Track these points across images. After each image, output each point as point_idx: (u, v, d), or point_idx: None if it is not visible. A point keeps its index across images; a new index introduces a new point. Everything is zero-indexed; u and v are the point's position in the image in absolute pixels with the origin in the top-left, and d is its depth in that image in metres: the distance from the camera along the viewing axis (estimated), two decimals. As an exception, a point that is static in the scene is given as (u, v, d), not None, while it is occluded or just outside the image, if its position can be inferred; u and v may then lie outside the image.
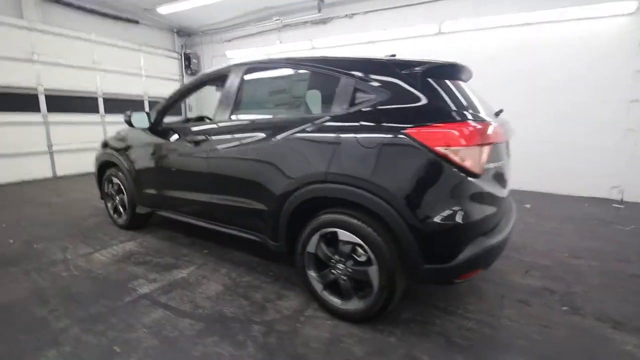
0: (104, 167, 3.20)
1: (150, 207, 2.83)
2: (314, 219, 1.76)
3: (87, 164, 6.42)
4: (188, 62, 8.20)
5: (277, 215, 1.89)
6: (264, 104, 2.18)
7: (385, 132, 1.51)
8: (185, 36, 8.19)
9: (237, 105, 2.16)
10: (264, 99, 2.17)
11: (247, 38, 7.42)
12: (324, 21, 6.38)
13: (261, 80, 2.16)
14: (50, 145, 6.02)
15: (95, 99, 6.65)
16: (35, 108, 5.77)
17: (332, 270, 1.74)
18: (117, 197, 3.13)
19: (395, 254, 1.55)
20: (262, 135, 1.91)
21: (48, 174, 6.05)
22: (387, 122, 1.53)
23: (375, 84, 1.64)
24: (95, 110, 6.67)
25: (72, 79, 6.21)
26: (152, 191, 2.74)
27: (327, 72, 1.80)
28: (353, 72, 1.71)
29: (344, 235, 1.65)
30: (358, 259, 1.65)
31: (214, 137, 2.17)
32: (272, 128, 1.88)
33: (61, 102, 6.08)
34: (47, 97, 5.88)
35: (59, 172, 6.18)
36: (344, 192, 1.59)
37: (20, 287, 2.11)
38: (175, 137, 2.53)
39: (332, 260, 1.73)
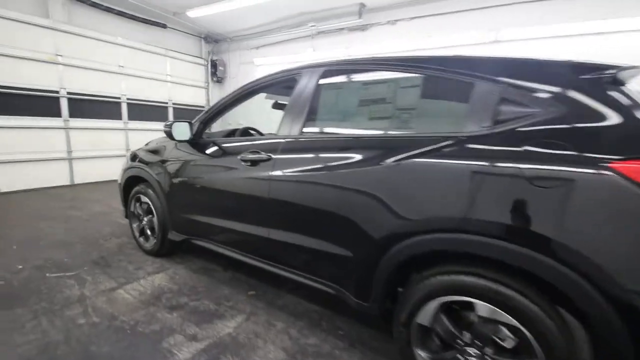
0: (131, 182, 2.77)
1: (186, 234, 2.36)
2: (429, 277, 1.25)
3: (107, 172, 6.09)
4: (214, 69, 7.90)
5: (370, 267, 1.39)
6: (351, 117, 1.70)
7: (574, 164, 1.00)
8: (213, 42, 7.90)
9: (311, 116, 1.69)
10: (351, 109, 1.69)
11: (277, 45, 7.07)
12: (362, 28, 5.98)
13: (345, 85, 1.69)
14: (69, 152, 5.69)
15: (119, 104, 6.34)
16: (56, 112, 5.46)
17: (459, 356, 1.22)
18: (145, 219, 2.67)
19: (570, 344, 1.03)
20: (356, 157, 1.42)
21: (65, 181, 5.71)
22: (572, 150, 1.02)
23: (540, 93, 1.15)
24: (118, 116, 6.36)
25: (96, 83, 5.92)
26: (190, 216, 2.27)
27: (452, 77, 1.32)
28: (498, 77, 1.23)
29: (486, 310, 1.13)
30: (504, 344, 1.13)
31: (279, 156, 1.70)
32: (374, 148, 1.40)
33: (83, 107, 5.77)
34: (70, 101, 5.58)
35: (77, 180, 5.82)
36: (501, 251, 1.08)
37: (25, 340, 1.64)
38: (222, 153, 2.07)
39: (459, 341, 1.22)
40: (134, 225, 2.81)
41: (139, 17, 6.42)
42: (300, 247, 1.65)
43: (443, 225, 1.18)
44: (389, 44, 5.71)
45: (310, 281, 1.67)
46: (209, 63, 7.90)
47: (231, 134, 2.63)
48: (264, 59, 7.26)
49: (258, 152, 1.80)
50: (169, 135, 2.17)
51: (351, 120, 1.67)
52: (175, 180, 2.31)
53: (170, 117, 7.24)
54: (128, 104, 6.45)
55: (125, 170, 2.81)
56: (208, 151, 2.17)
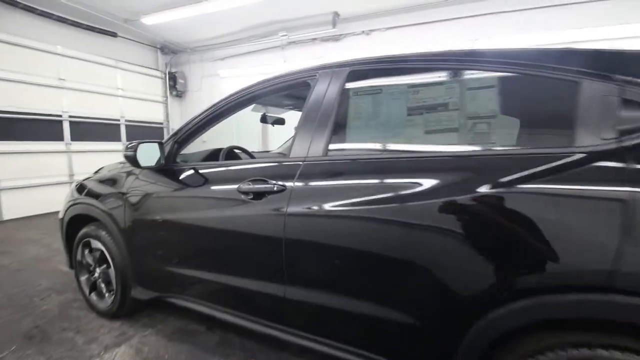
0: (77, 222, 2.12)
1: (158, 290, 1.79)
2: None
3: (45, 203, 5.12)
4: (173, 82, 7.21)
5: (452, 338, 0.97)
6: (397, 130, 1.27)
7: None
8: (171, 53, 7.23)
9: (339, 131, 1.27)
10: (397, 120, 1.26)
11: (245, 56, 6.60)
12: (336, 38, 5.72)
13: (385, 89, 1.28)
14: (-5, 182, 4.70)
15: (59, 123, 5.43)
16: (-22, 134, 4.50)
17: None
18: (98, 270, 2.04)
19: None
20: (423, 182, 1.00)
21: (-9, 217, 4.69)
22: None
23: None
24: (58, 136, 5.44)
25: (30, 99, 5.01)
26: (164, 267, 1.71)
27: (546, 74, 0.97)
28: (613, 73, 0.90)
29: None
30: None
31: (298, 184, 1.24)
32: (449, 170, 1.00)
33: (13, 127, 4.82)
34: (-5, 120, 4.64)
35: (6, 215, 4.81)
36: None
37: None
38: (208, 182, 1.57)
39: None
40: (83, 279, 2.15)
41: (83, 24, 5.64)
42: (334, 310, 1.19)
43: (578, 279, 0.81)
44: (363, 55, 5.49)
45: (350, 354, 1.21)
46: (167, 75, 7.19)
47: (213, 156, 2.11)
48: (230, 71, 6.73)
49: (264, 181, 1.33)
50: (133, 161, 1.62)
51: (399, 134, 1.25)
52: (142, 220, 1.75)
53: (123, 135, 6.41)
54: (71, 122, 5.56)
55: (70, 206, 2.16)
56: (188, 180, 1.65)
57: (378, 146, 1.27)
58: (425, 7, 5.00)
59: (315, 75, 1.39)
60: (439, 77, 1.15)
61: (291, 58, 6.16)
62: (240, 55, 6.62)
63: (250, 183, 1.36)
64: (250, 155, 2.26)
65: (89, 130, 5.84)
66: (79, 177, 2.59)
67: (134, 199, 1.78)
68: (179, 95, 7.37)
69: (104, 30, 5.95)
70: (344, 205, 1.12)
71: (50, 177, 5.26)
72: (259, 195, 1.33)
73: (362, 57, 1.32)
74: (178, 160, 1.85)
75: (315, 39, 5.84)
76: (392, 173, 1.09)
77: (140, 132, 6.67)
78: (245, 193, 1.36)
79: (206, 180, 1.58)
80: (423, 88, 1.17)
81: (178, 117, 7.40)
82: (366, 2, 5.04)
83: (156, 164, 1.68)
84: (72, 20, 5.48)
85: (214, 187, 1.53)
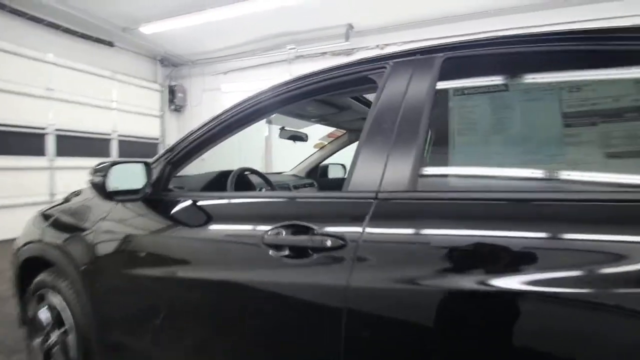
0: (32, 265, 1.59)
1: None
2: None
3: (18, 226, 4.54)
4: (172, 95, 6.81)
5: None
6: (546, 149, 0.77)
7: None
8: (171, 66, 6.86)
9: (434, 151, 0.79)
10: (547, 133, 0.77)
11: (248, 70, 6.25)
12: (348, 52, 5.39)
13: (514, 86, 0.79)
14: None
15: (42, 137, 4.93)
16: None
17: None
18: (53, 335, 1.48)
19: None
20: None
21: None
22: None
23: None
24: (39, 151, 4.92)
25: (14, 109, 4.53)
26: (142, 345, 1.17)
27: None
28: None
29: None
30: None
31: (367, 237, 0.73)
32: None
33: (-9, 139, 4.32)
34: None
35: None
36: None
37: None
38: (216, 223, 1.06)
39: None
40: (34, 343, 1.58)
41: (77, 32, 5.25)
42: None
43: None
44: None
45: None
46: (166, 89, 6.79)
47: (218, 182, 1.62)
48: (233, 85, 6.35)
49: (306, 229, 0.82)
50: (101, 190, 1.12)
51: (550, 156, 0.75)
52: (118, 273, 1.22)
53: (114, 151, 5.91)
54: (57, 136, 5.06)
55: (25, 244, 1.63)
56: (185, 218, 1.14)
57: (511, 174, 0.77)
58: (443, 21, 4.70)
59: (384, 68, 0.92)
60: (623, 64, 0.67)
61: (298, 73, 5.79)
62: (244, 69, 6.26)
63: (282, 231, 0.85)
64: (269, 182, 1.77)
65: (77, 144, 5.34)
66: (61, 197, 2.07)
67: (107, 244, 1.26)
68: (177, 109, 6.95)
69: (100, 39, 5.57)
70: (465, 280, 0.62)
71: (27, 197, 4.68)
72: (298, 253, 0.82)
73: (463, 39, 0.86)
74: (171, 187, 1.35)
75: (325, 52, 5.50)
76: (564, 224, 0.59)
77: (135, 147, 6.18)
78: (275, 247, 0.85)
79: (211, 220, 1.08)
80: (594, 82, 0.69)
81: (175, 133, 6.94)
82: (383, 15, 4.73)
83: (139, 193, 1.17)
84: (65, 27, 5.09)
85: (222, 231, 1.03)
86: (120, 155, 5.93)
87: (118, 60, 5.96)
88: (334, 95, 1.38)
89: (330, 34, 5.12)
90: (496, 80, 0.81)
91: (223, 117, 1.20)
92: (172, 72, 6.91)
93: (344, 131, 2.44)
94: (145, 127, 6.57)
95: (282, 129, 2.09)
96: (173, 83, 6.89)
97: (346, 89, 1.05)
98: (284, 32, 5.26)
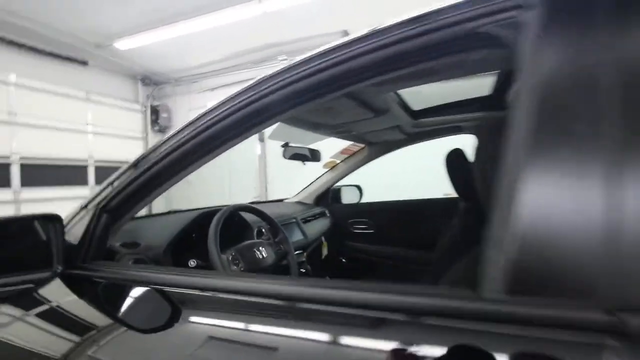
0: None
1: None
2: None
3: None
4: (155, 116, 6.29)
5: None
6: None
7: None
8: (153, 85, 6.37)
9: None
10: None
11: (237, 86, 5.70)
12: (345, 61, 4.96)
13: None
14: None
15: (6, 167, 4.34)
16: None
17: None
18: None
19: None
20: None
21: None
22: None
23: None
24: (4, 183, 4.32)
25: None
26: None
27: None
28: None
29: None
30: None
31: None
32: None
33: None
34: None
35: None
36: None
37: None
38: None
39: None
40: None
41: (44, 50, 4.74)
42: None
43: None
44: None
45: None
46: (148, 109, 6.27)
47: (197, 229, 1.10)
48: (220, 102, 5.87)
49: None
50: None
51: None
52: None
53: (91, 178, 5.31)
54: (22, 165, 4.47)
55: None
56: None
57: None
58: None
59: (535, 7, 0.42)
60: None
61: (292, 85, 5.35)
62: (232, 84, 5.78)
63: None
64: (271, 222, 1.25)
65: (47, 174, 4.74)
66: None
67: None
68: (162, 130, 6.41)
69: (71, 57, 5.06)
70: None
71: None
72: None
73: None
74: (117, 245, 0.83)
75: (320, 62, 5.07)
76: None
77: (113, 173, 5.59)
78: None
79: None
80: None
81: (160, 156, 6.37)
82: (379, 20, 4.35)
83: (42, 275, 0.65)
84: (30, 45, 4.58)
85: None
86: (98, 183, 5.33)
87: (93, 80, 5.44)
88: (383, 87, 0.88)
89: (324, 41, 4.69)
90: None
91: (195, 127, 0.69)
92: (154, 91, 6.41)
93: (362, 145, 1.95)
94: (126, 151, 5.99)
95: (287, 145, 1.59)
96: (156, 103, 6.38)
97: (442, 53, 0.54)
98: (274, 42, 4.84)
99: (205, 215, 1.19)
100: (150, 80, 6.27)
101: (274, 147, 5.68)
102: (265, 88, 0.68)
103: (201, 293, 0.61)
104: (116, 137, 5.77)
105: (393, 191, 3.99)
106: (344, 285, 0.50)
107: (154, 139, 6.41)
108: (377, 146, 1.88)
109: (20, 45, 4.49)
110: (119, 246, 1.01)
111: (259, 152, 5.87)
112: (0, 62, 4.31)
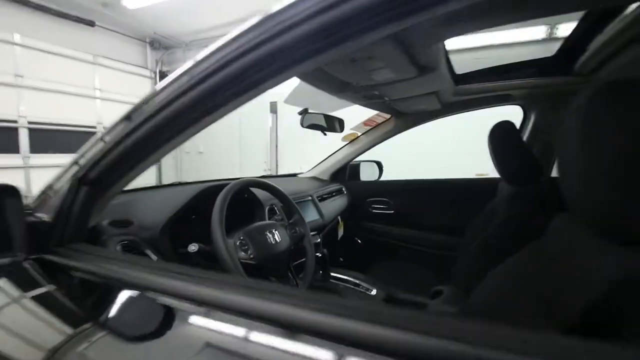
0: None
1: None
2: None
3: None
4: (165, 82, 6.06)
5: None
6: None
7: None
8: (162, 49, 6.10)
9: None
10: None
11: (250, 52, 5.46)
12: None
13: None
14: None
15: (14, 131, 4.26)
16: None
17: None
18: None
19: None
20: None
21: None
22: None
23: None
24: (13, 148, 4.26)
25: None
26: None
27: None
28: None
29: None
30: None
31: None
32: None
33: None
34: None
35: None
36: None
37: None
38: None
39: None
40: None
41: (51, 9, 4.50)
42: None
43: None
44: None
45: None
46: (157, 75, 6.06)
47: (200, 206, 0.94)
48: (232, 69, 5.60)
49: None
50: None
51: None
52: None
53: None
54: (30, 130, 4.38)
55: None
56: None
57: None
58: None
59: None
60: None
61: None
62: (245, 50, 5.49)
63: None
64: (284, 198, 1.10)
65: (55, 139, 4.65)
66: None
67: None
68: (172, 98, 6.22)
69: (79, 17, 4.81)
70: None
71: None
72: None
73: None
74: (105, 224, 0.68)
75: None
76: None
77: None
78: None
79: None
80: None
81: (170, 125, 6.23)
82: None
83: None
84: (35, 4, 4.35)
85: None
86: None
87: (101, 43, 5.21)
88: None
89: None
90: None
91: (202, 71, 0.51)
92: (164, 55, 6.15)
93: (388, 116, 1.72)
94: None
95: (305, 112, 1.38)
96: (165, 68, 6.15)
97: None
98: (291, 2, 4.47)
99: (211, 190, 1.03)
100: (159, 44, 6.00)
101: (286, 119, 5.46)
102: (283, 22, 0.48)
103: (198, 307, 0.45)
104: (124, 103, 5.60)
105: (417, 169, 3.74)
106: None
107: (163, 107, 6.23)
108: (406, 117, 1.65)
109: (25, 3, 4.27)
110: (107, 225, 0.85)
111: (270, 124, 5.65)
112: (4, 20, 4.11)
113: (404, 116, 1.64)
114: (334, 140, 2.12)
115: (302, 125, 1.42)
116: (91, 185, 0.71)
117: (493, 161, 1.16)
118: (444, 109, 1.51)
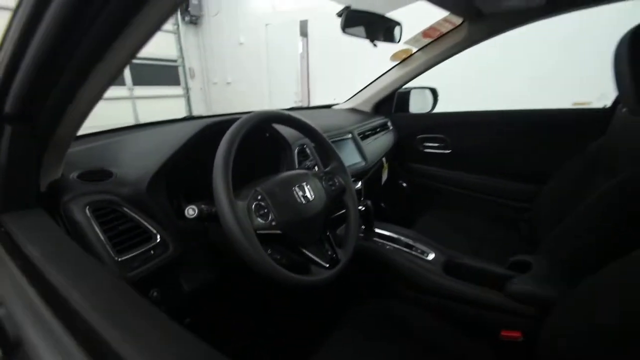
0: None
1: None
2: None
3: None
4: (185, 3, 5.49)
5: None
6: None
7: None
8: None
9: None
10: None
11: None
12: None
13: None
14: None
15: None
16: None
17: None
18: None
19: None
20: None
21: None
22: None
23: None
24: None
25: None
26: None
27: None
28: None
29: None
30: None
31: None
32: None
33: None
34: None
35: None
36: None
37: None
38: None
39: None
40: None
41: None
42: None
43: None
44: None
45: None
46: (177, -5, 5.47)
47: (199, 155, 0.66)
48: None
49: None
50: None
51: None
52: None
53: (127, 78, 5.01)
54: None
55: None
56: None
57: None
58: None
59: None
60: None
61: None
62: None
63: None
64: (316, 135, 0.79)
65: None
66: None
67: None
68: (193, 21, 5.71)
69: None
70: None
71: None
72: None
73: None
74: (73, 178, 0.50)
75: None
76: None
77: (149, 72, 5.24)
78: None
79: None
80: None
81: (195, 51, 5.84)
82: None
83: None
84: None
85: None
86: (135, 83, 5.07)
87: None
88: None
89: None
90: None
91: None
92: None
93: (458, 22, 1.25)
94: (160, 47, 5.49)
95: (347, 10, 0.98)
96: (184, -14, 5.52)
97: None
98: None
99: (219, 127, 0.74)
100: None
101: (318, 43, 4.81)
102: None
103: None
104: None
105: (486, 98, 3.09)
106: None
107: (186, 32, 5.77)
108: (488, 21, 1.16)
109: None
110: (74, 178, 0.61)
111: (301, 50, 5.06)
112: None
113: (483, 20, 1.16)
114: (380, 63, 1.68)
115: (341, 28, 1.02)
116: (16, 122, 0.46)
117: (619, 83, 0.76)
118: (549, 5, 1.03)
